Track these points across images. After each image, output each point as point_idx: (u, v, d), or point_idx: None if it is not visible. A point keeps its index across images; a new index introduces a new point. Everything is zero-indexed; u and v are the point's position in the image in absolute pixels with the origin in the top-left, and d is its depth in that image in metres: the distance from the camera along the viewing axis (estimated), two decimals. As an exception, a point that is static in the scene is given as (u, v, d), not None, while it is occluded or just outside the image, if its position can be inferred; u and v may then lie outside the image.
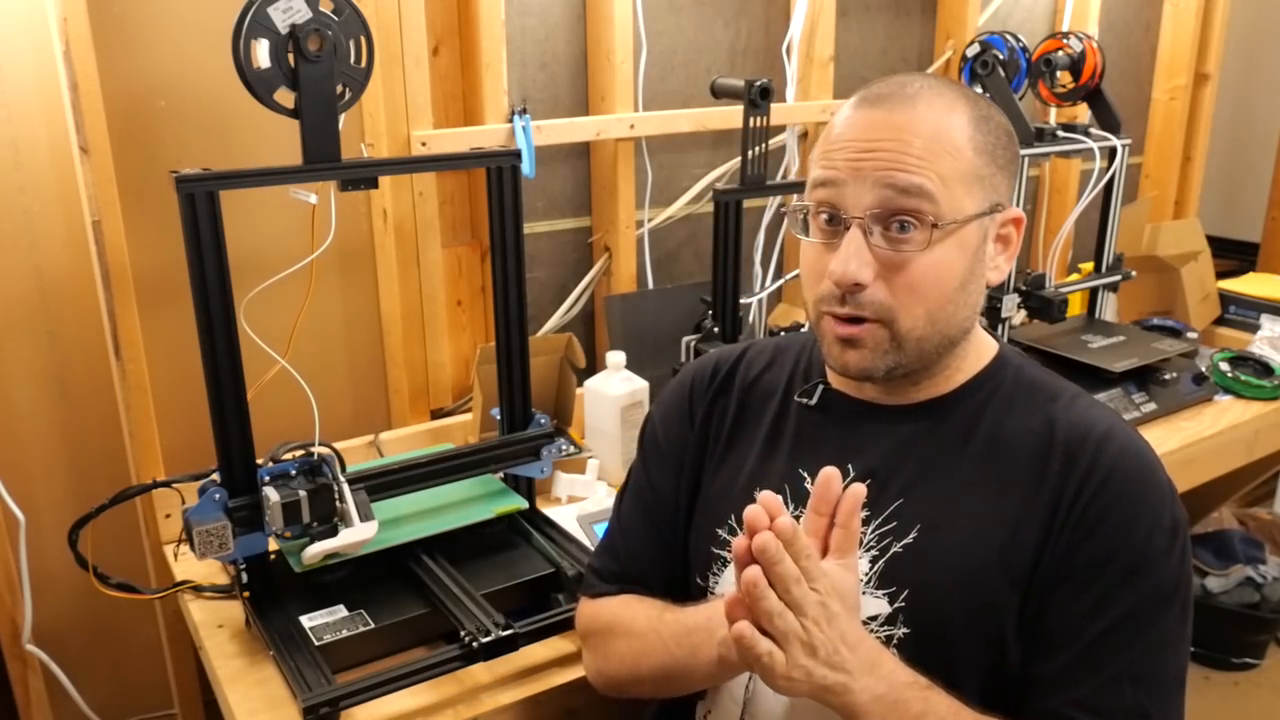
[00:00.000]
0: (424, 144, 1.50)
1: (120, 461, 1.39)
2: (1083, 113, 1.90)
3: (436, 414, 1.64)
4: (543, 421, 1.30)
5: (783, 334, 1.64)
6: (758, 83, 1.52)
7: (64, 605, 1.46)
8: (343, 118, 1.10)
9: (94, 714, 1.49)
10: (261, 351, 1.17)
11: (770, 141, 1.59)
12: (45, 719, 1.47)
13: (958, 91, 0.86)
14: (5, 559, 1.36)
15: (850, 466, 0.90)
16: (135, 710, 1.57)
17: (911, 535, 0.85)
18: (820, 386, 0.96)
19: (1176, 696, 0.82)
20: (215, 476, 1.11)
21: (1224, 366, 1.84)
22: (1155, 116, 2.54)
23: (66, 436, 1.43)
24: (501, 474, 1.32)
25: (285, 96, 1.07)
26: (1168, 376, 1.73)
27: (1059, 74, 1.77)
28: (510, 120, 1.59)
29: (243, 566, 1.14)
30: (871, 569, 0.85)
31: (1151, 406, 1.70)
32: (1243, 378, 1.81)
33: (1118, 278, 1.85)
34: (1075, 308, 1.91)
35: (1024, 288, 1.70)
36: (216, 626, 1.19)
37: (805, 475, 0.92)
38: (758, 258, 1.95)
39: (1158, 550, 0.81)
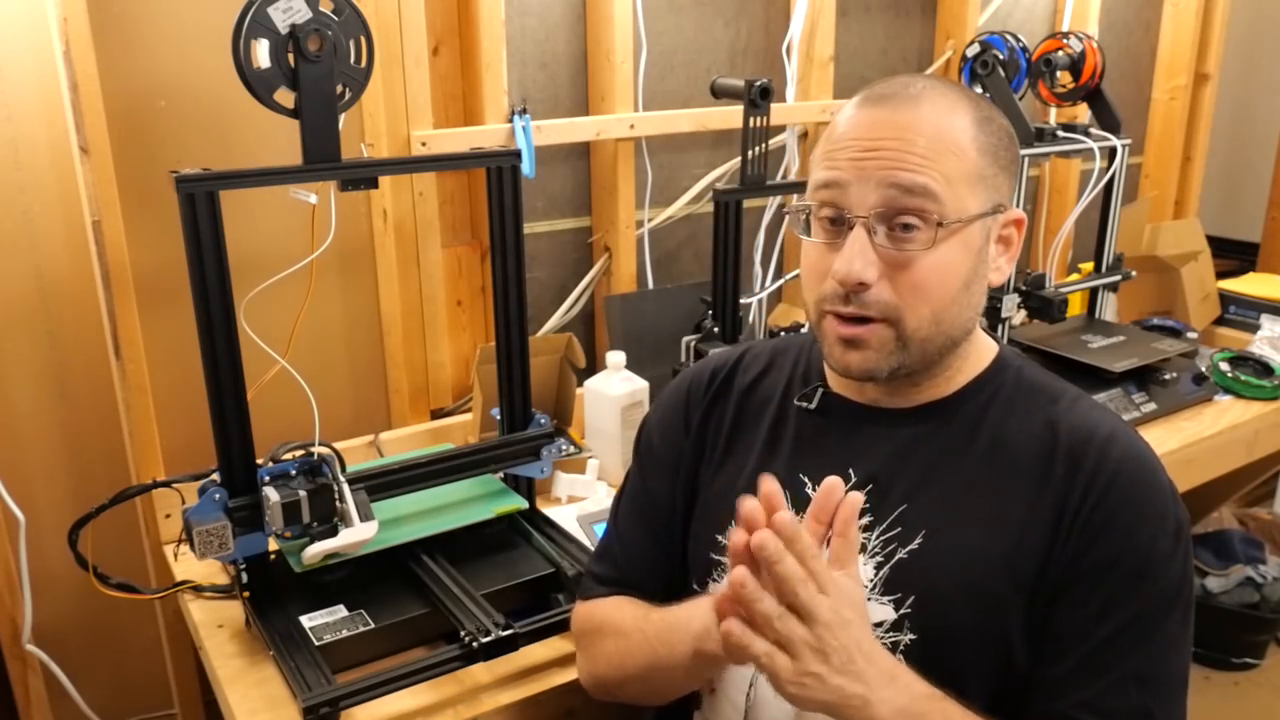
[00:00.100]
0: (424, 144, 1.50)
1: (120, 461, 1.39)
2: (1083, 113, 1.90)
3: (436, 414, 1.64)
4: (543, 421, 1.30)
5: (785, 334, 1.64)
6: (758, 83, 1.52)
7: (64, 605, 1.46)
8: (343, 118, 1.10)
9: (94, 714, 1.49)
10: (261, 351, 1.17)
11: (770, 141, 1.59)
12: (45, 719, 1.47)
13: (960, 92, 0.86)
14: (5, 559, 1.36)
15: (851, 471, 0.89)
16: (135, 710, 1.57)
17: (916, 541, 0.85)
18: (819, 389, 0.95)
19: (1180, 697, 0.82)
20: (215, 476, 1.11)
21: (1224, 366, 1.84)
22: (1155, 116, 2.54)
23: (66, 436, 1.43)
24: (501, 474, 1.32)
25: (285, 96, 1.07)
26: (1168, 376, 1.73)
27: (1059, 74, 1.77)
28: (510, 120, 1.59)
29: (243, 566, 1.14)
30: (876, 575, 0.85)
31: (1151, 406, 1.70)
32: (1243, 378, 1.81)
33: (1118, 278, 1.85)
34: (1075, 308, 1.91)
35: (1024, 288, 1.70)
36: (216, 626, 1.19)
37: (806, 480, 0.91)
38: (758, 258, 1.95)
39: (1162, 553, 0.81)
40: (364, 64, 1.10)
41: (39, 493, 1.41)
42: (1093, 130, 1.74)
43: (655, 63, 1.76)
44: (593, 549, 1.15)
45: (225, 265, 1.05)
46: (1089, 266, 1.92)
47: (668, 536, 1.00)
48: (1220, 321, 2.21)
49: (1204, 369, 1.83)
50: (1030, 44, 1.74)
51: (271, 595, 1.16)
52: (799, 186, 1.47)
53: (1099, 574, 0.80)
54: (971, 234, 0.83)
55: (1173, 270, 2.08)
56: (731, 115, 1.73)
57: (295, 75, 1.05)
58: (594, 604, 1.01)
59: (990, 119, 0.85)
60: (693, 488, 0.99)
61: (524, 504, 1.31)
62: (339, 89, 1.09)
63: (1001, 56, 1.66)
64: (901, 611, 0.83)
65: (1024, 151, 1.62)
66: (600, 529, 1.15)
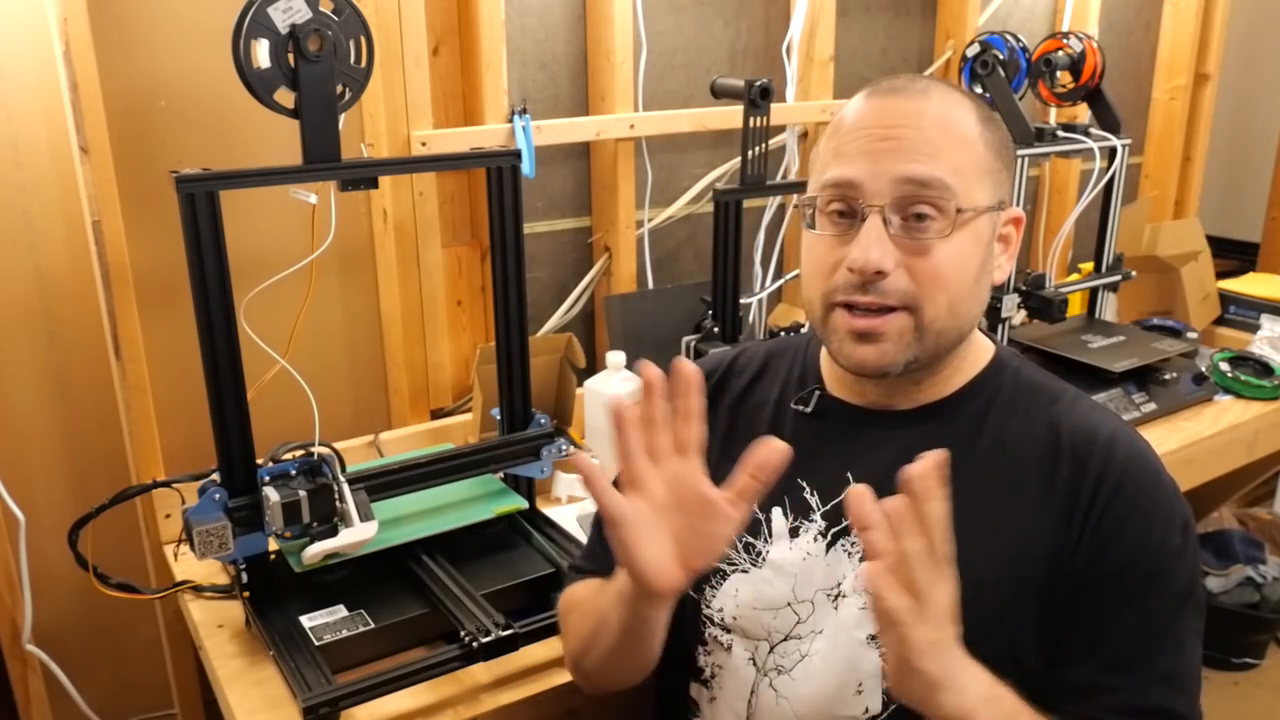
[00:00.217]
0: (424, 144, 1.50)
1: (120, 461, 1.39)
2: (1083, 113, 1.90)
3: (436, 414, 1.64)
4: (543, 421, 1.30)
5: (785, 334, 1.64)
6: (758, 83, 1.52)
7: (64, 605, 1.46)
8: (343, 118, 1.10)
9: (94, 714, 1.49)
10: (261, 351, 1.17)
11: (770, 141, 1.59)
12: (45, 719, 1.47)
13: (962, 91, 0.88)
14: (5, 559, 1.36)
15: (850, 475, 0.89)
16: (135, 710, 1.57)
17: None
18: (816, 392, 0.94)
19: (1198, 691, 0.83)
20: (215, 476, 1.11)
21: (1224, 366, 1.84)
22: (1155, 116, 2.54)
23: (66, 436, 1.43)
24: (501, 474, 1.32)
25: (285, 96, 1.07)
26: (1168, 376, 1.73)
27: (1059, 74, 1.77)
28: (510, 120, 1.59)
29: (243, 566, 1.14)
30: None
31: (1151, 406, 1.70)
32: (1243, 378, 1.81)
33: (1118, 278, 1.85)
34: (1075, 308, 1.91)
35: (1024, 288, 1.70)
36: (216, 626, 1.19)
37: (804, 485, 0.91)
38: (758, 258, 1.96)
39: (1173, 552, 0.82)
40: (364, 64, 1.10)
41: (39, 493, 1.41)
42: (1093, 130, 1.74)
43: (655, 63, 1.76)
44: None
45: (225, 265, 1.05)
46: (1089, 266, 1.92)
47: None
48: (1220, 321, 2.21)
49: (1204, 369, 1.83)
50: (1030, 44, 1.73)
51: (271, 595, 1.16)
52: (799, 186, 1.47)
53: (1114, 577, 0.81)
54: (981, 226, 0.84)
55: (1173, 270, 2.08)
56: (731, 115, 1.73)
57: (295, 75, 1.05)
58: (567, 590, 1.02)
59: (991, 118, 0.87)
60: None
61: (524, 504, 1.31)
62: (339, 89, 1.09)
63: (1001, 56, 1.66)
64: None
65: (1024, 151, 1.62)
66: (600, 529, 1.15)
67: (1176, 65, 2.48)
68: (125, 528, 1.39)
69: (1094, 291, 1.90)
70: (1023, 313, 1.75)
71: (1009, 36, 1.71)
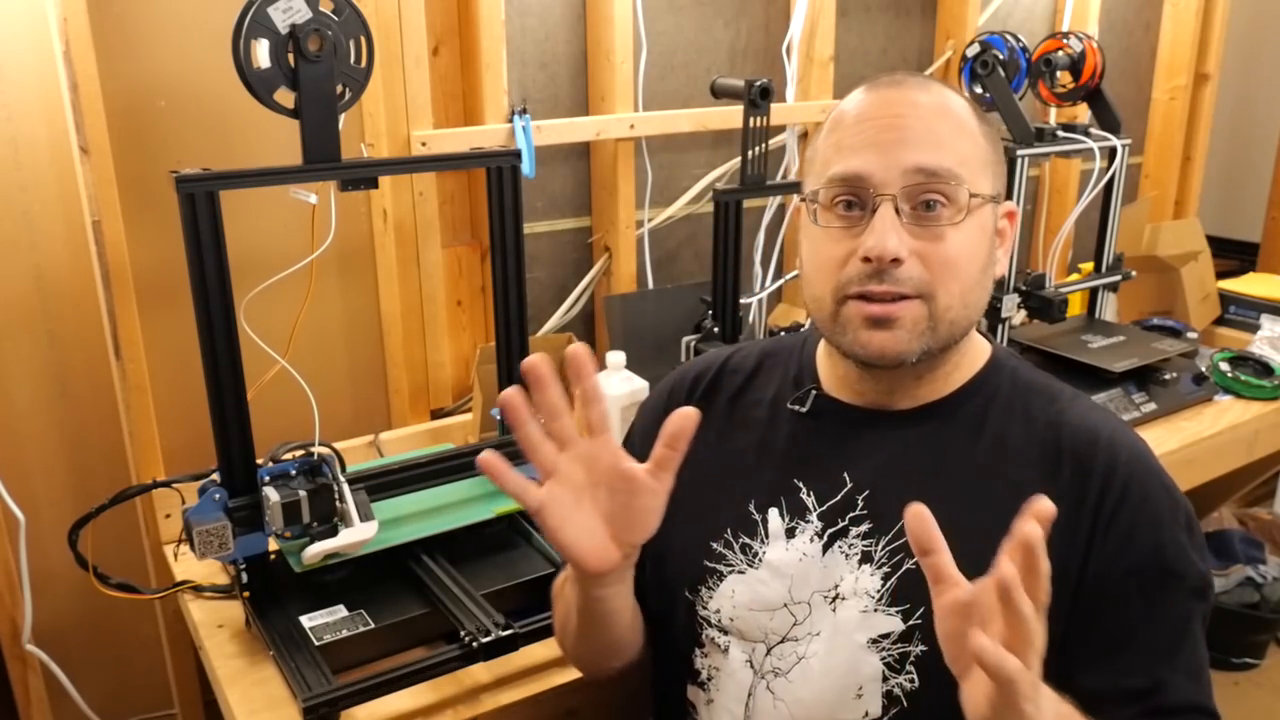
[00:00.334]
0: (424, 144, 1.50)
1: (120, 461, 1.39)
2: (1083, 113, 1.90)
3: (436, 414, 1.64)
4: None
5: (784, 333, 1.64)
6: (758, 83, 1.52)
7: (64, 605, 1.46)
8: (343, 118, 1.10)
9: (94, 714, 1.49)
10: (261, 351, 1.17)
11: (770, 141, 1.59)
12: (45, 719, 1.47)
13: (955, 89, 0.89)
14: (5, 559, 1.36)
15: (846, 476, 0.89)
16: (135, 710, 1.57)
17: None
18: (812, 392, 0.94)
19: (1210, 681, 0.84)
20: (215, 476, 1.11)
21: (1224, 366, 1.84)
22: (1155, 116, 2.54)
23: (66, 436, 1.43)
24: (501, 474, 1.32)
25: (285, 96, 1.07)
26: (1168, 376, 1.73)
27: (1059, 74, 1.77)
28: (510, 120, 1.59)
29: (243, 566, 1.14)
30: (884, 586, 0.84)
31: (1151, 406, 1.70)
32: (1243, 378, 1.81)
33: (1118, 278, 1.85)
34: (1075, 308, 1.91)
35: (1024, 288, 1.70)
36: (216, 626, 1.19)
37: (801, 486, 0.90)
38: (758, 258, 1.95)
39: (1182, 549, 0.82)
40: (364, 64, 1.10)
41: (39, 493, 1.41)
42: (1093, 130, 1.74)
43: (655, 63, 1.76)
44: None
45: (225, 265, 1.05)
46: (1089, 266, 1.92)
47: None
48: (1220, 321, 2.20)
49: (1204, 369, 1.83)
50: (1030, 44, 1.73)
51: (271, 595, 1.16)
52: (799, 186, 1.47)
53: (1130, 582, 0.81)
54: (986, 215, 0.85)
55: (1173, 270, 2.08)
56: (731, 115, 1.73)
57: (295, 75, 1.05)
58: (559, 576, 1.01)
59: (983, 114, 0.88)
60: (675, 491, 0.98)
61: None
62: (339, 89, 1.09)
63: (1001, 56, 1.66)
64: (910, 622, 0.83)
65: (1024, 151, 1.62)
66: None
67: (1176, 65, 2.48)
68: (125, 528, 1.39)
69: (1094, 291, 1.90)
70: (1023, 313, 1.75)
71: (1009, 36, 1.71)
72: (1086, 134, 1.71)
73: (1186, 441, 1.65)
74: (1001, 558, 0.63)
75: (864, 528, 0.87)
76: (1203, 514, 2.41)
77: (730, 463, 0.96)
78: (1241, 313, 2.18)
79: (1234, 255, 3.04)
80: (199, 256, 1.03)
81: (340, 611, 1.14)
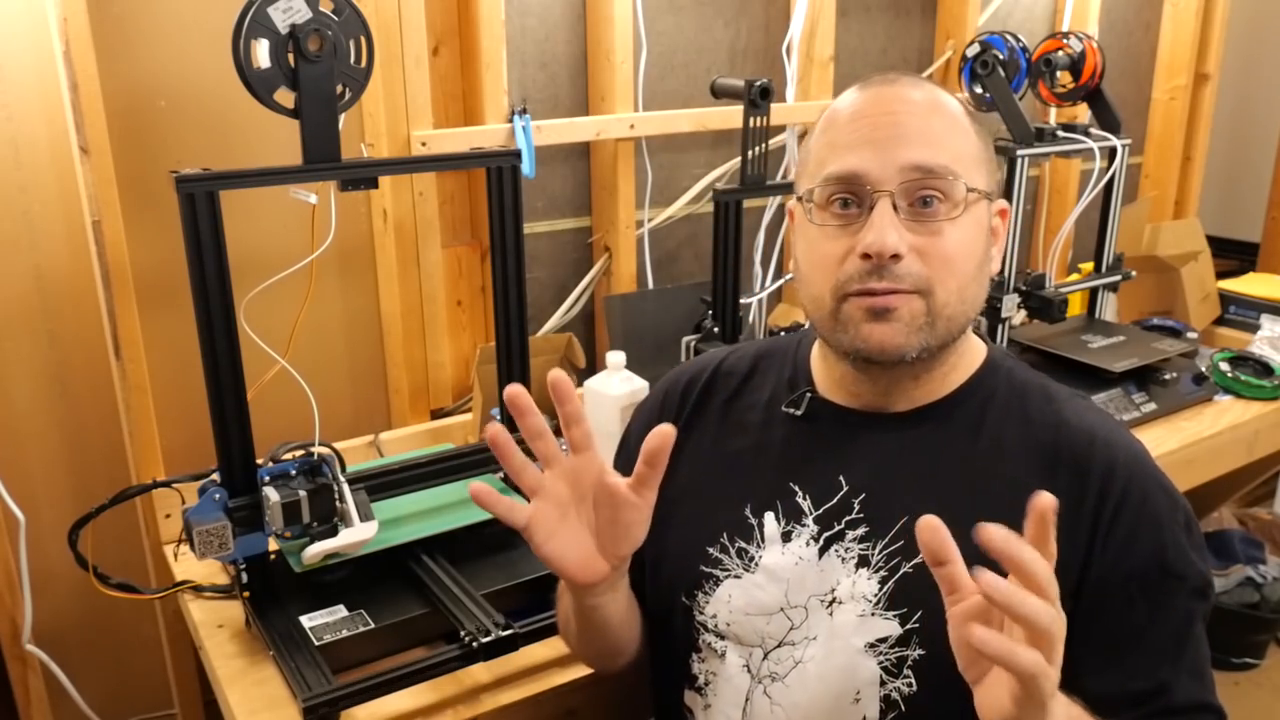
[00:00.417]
0: (424, 144, 1.50)
1: (120, 461, 1.39)
2: (1083, 113, 1.90)
3: (436, 414, 1.64)
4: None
5: (784, 333, 1.64)
6: (758, 83, 1.52)
7: (64, 605, 1.46)
8: (343, 118, 1.10)
9: (94, 714, 1.49)
10: (261, 351, 1.17)
11: (770, 141, 1.59)
12: (45, 719, 1.47)
13: (946, 89, 0.90)
14: (5, 559, 1.36)
15: (842, 479, 0.88)
16: (135, 710, 1.57)
17: (920, 555, 0.83)
18: (807, 395, 0.93)
19: (1213, 677, 0.85)
20: (215, 476, 1.11)
21: (1224, 366, 1.84)
22: (1155, 116, 2.54)
23: (66, 436, 1.43)
24: (501, 474, 1.32)
25: (285, 96, 1.07)
26: (1168, 376, 1.73)
27: (1059, 74, 1.77)
28: (510, 120, 1.59)
29: (243, 566, 1.14)
30: (881, 590, 0.84)
31: (1151, 406, 1.70)
32: (1243, 378, 1.81)
33: (1118, 278, 1.85)
34: (1075, 308, 1.91)
35: (1024, 288, 1.70)
36: (216, 626, 1.19)
37: (796, 489, 0.90)
38: (758, 258, 1.95)
39: (1182, 549, 0.82)
40: (364, 64, 1.10)
41: (39, 493, 1.41)
42: (1093, 130, 1.74)
43: (655, 63, 1.76)
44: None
45: (225, 265, 1.05)
46: (1089, 266, 1.92)
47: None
48: (1220, 321, 2.20)
49: (1204, 369, 1.83)
50: (1030, 44, 1.73)
51: (271, 595, 1.16)
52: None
53: (1133, 584, 0.81)
54: (981, 212, 0.85)
55: (1173, 270, 2.08)
56: (731, 115, 1.73)
57: (295, 75, 1.05)
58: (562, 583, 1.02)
59: (975, 113, 0.88)
60: (670, 496, 0.96)
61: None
62: (339, 89, 1.09)
63: (1001, 56, 1.66)
64: (908, 626, 0.82)
65: (1024, 151, 1.62)
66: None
67: (1176, 65, 2.48)
68: (125, 528, 1.39)
69: (1094, 291, 1.90)
70: (1023, 313, 1.75)
71: (1009, 36, 1.71)
72: (1086, 134, 1.71)
73: (1186, 441, 1.65)
74: (980, 572, 0.63)
75: (860, 531, 0.86)
76: (1203, 514, 2.41)
77: (725, 467, 0.95)
78: (1241, 313, 2.18)
79: (1234, 255, 3.04)
80: (199, 256, 1.03)
81: (340, 611, 1.14)
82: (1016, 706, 0.65)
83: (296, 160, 1.09)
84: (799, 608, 0.87)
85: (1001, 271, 1.65)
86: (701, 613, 0.92)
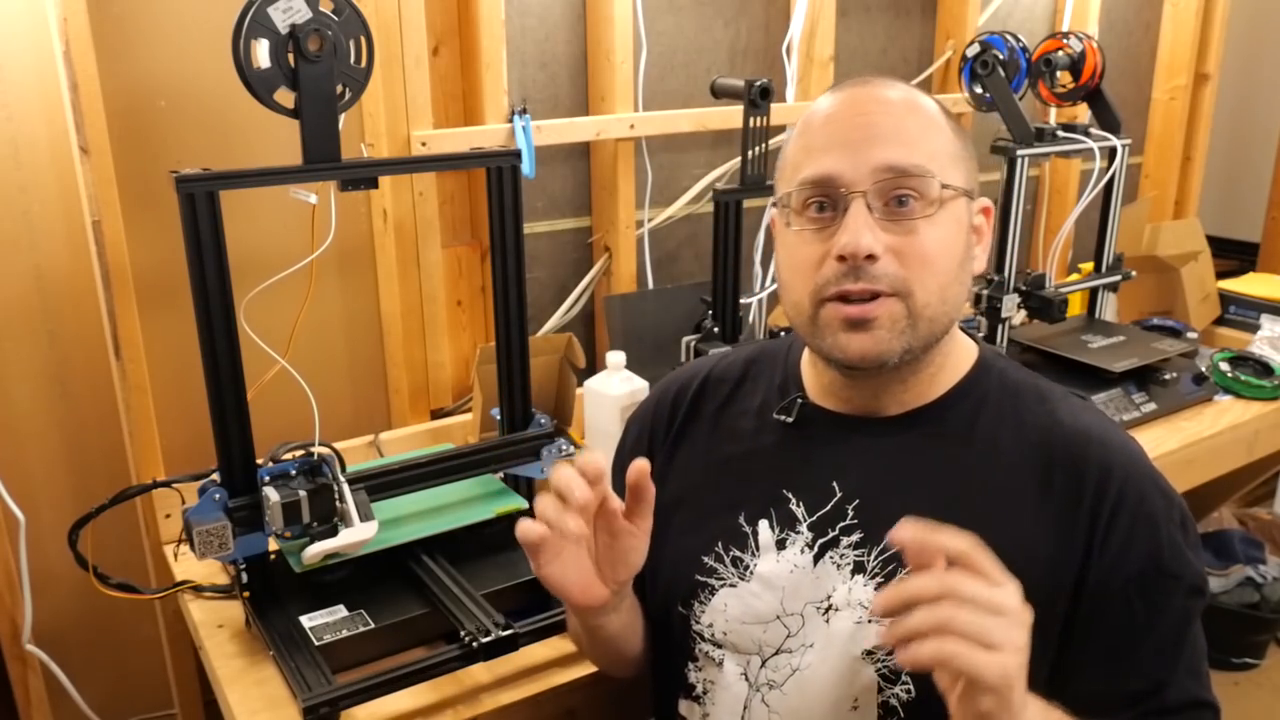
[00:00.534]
0: (424, 144, 1.50)
1: (120, 461, 1.39)
2: (1083, 113, 1.90)
3: (436, 414, 1.64)
4: (543, 421, 1.30)
5: (782, 334, 1.64)
6: (758, 83, 1.52)
7: (64, 605, 1.46)
8: (343, 118, 1.10)
9: (94, 714, 1.49)
10: (261, 351, 1.17)
11: (770, 141, 1.59)
12: (45, 719, 1.47)
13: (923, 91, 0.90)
14: (5, 559, 1.36)
15: (836, 485, 0.88)
16: (135, 710, 1.57)
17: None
18: (798, 401, 0.93)
19: (1208, 673, 0.85)
20: (215, 476, 1.11)
21: (1224, 366, 1.84)
22: (1155, 116, 2.54)
23: (66, 436, 1.43)
24: (501, 474, 1.32)
25: (285, 96, 1.07)
26: (1168, 376, 1.73)
27: (1059, 74, 1.77)
28: (510, 120, 1.59)
29: (243, 566, 1.14)
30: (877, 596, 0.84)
31: (1151, 406, 1.70)
32: (1243, 378, 1.81)
33: (1118, 278, 1.85)
34: (1075, 308, 1.91)
35: (1024, 288, 1.70)
36: (216, 626, 1.19)
37: (790, 497, 0.89)
38: (758, 258, 1.95)
39: (1179, 549, 0.82)
40: (364, 64, 1.10)
41: (39, 493, 1.41)
42: (1093, 130, 1.74)
43: (655, 63, 1.76)
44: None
45: (225, 265, 1.05)
46: (1089, 266, 1.92)
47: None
48: (1220, 321, 2.20)
49: (1204, 369, 1.83)
50: (1030, 44, 1.73)
51: (271, 595, 1.16)
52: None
53: (1131, 587, 0.81)
54: (959, 209, 0.84)
55: (1173, 270, 2.08)
56: (731, 115, 1.73)
57: (295, 75, 1.05)
58: None
59: (950, 112, 0.88)
60: (665, 506, 0.97)
61: (524, 504, 1.30)
62: (339, 89, 1.09)
63: (1001, 56, 1.66)
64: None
65: (1024, 151, 1.62)
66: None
67: (1176, 65, 2.48)
68: (125, 528, 1.39)
69: (1094, 291, 1.90)
70: (1023, 313, 1.75)
71: (1009, 36, 1.71)
72: (1086, 134, 1.71)
73: (1186, 441, 1.65)
74: (879, 597, 0.65)
75: (855, 537, 0.86)
76: (1203, 514, 2.41)
77: (719, 475, 0.95)
78: (1241, 313, 2.18)
79: (1234, 255, 3.04)
80: (199, 256, 1.03)
81: (340, 611, 1.14)
82: (981, 714, 0.65)
83: (296, 160, 1.09)
84: (795, 615, 0.87)
85: (1001, 271, 1.66)
86: (698, 622, 0.91)
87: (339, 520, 1.12)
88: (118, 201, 1.27)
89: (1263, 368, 1.85)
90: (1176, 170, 2.57)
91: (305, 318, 1.24)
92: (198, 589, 1.26)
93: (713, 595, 0.91)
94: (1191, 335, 1.97)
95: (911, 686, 0.82)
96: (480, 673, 1.10)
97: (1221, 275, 2.28)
